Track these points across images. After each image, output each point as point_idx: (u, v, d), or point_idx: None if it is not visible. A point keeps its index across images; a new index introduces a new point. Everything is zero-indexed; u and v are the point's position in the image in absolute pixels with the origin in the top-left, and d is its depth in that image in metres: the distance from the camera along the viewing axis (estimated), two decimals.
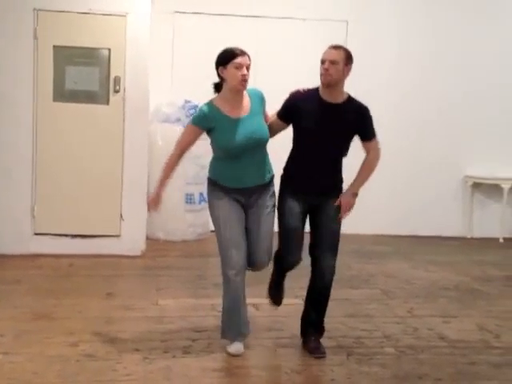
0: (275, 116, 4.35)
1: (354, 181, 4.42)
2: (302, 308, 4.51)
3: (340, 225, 4.41)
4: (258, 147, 4.16)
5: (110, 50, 6.78)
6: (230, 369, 4.03)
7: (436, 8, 8.74)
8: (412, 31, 8.72)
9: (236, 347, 4.25)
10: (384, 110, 8.68)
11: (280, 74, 8.25)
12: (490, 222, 8.99)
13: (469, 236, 8.97)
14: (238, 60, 4.03)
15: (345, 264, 6.94)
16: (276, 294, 4.62)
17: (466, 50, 8.80)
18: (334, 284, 6.02)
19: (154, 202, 4.30)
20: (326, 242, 4.30)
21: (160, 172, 4.29)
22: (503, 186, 8.75)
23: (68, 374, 3.82)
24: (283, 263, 4.39)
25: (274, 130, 4.33)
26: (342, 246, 7.69)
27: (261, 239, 4.25)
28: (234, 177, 4.18)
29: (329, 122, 4.18)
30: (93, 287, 5.69)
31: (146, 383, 3.76)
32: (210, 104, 4.15)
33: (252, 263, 4.30)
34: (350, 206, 4.38)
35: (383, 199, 8.72)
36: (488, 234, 8.92)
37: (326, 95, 4.22)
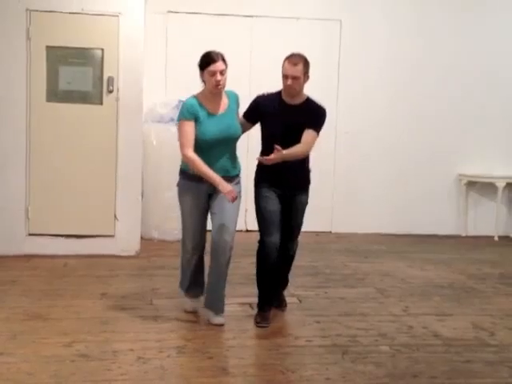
0: (242, 117, 4.83)
1: (288, 150, 4.57)
2: (298, 306, 4.53)
3: (302, 217, 4.91)
4: (230, 141, 4.62)
5: (103, 50, 6.76)
6: (225, 368, 4.02)
7: (429, 7, 8.76)
8: (405, 30, 8.73)
9: (192, 305, 4.98)
10: (377, 108, 8.73)
11: (274, 73, 8.20)
12: (484, 221, 9.00)
13: (464, 234, 8.98)
14: (211, 68, 4.44)
15: (340, 263, 6.97)
16: (263, 317, 4.82)
17: (459, 48, 8.82)
18: (329, 283, 6.10)
19: (233, 194, 4.48)
20: (292, 233, 4.89)
21: (204, 172, 4.49)
22: (498, 184, 8.76)
23: (63, 374, 3.81)
24: (264, 248, 4.71)
25: (242, 129, 4.81)
26: (338, 246, 7.82)
27: (224, 221, 4.57)
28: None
29: (288, 121, 4.63)
30: (87, 287, 5.68)
31: (140, 383, 3.75)
32: (193, 98, 4.59)
33: (215, 244, 4.60)
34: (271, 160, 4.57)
35: (378, 198, 8.74)
36: (483, 232, 8.94)
37: (287, 98, 4.73)
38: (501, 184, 8.75)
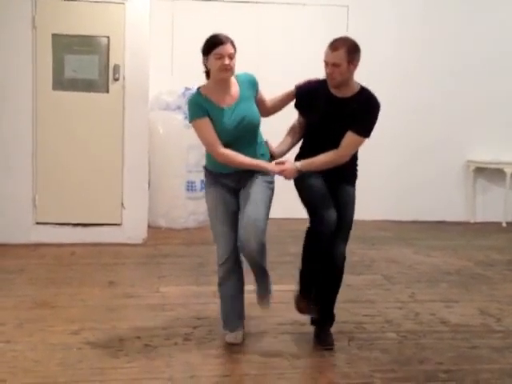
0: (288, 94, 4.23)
1: (308, 160, 4.05)
2: None
3: (353, 213, 4.23)
4: (248, 132, 4.01)
5: (108, 37, 6.76)
6: (231, 355, 4.02)
7: None
8: (413, 15, 8.69)
9: (232, 336, 4.20)
10: (384, 94, 8.59)
11: (281, 60, 8.23)
12: (492, 207, 8.99)
13: (471, 221, 8.96)
14: (218, 50, 3.87)
15: (347, 250, 6.93)
16: (304, 306, 4.26)
17: (466, 34, 8.78)
18: None
19: (283, 169, 3.99)
20: (339, 230, 4.13)
21: (243, 163, 3.95)
22: (506, 170, 8.73)
23: (70, 361, 3.82)
24: (321, 225, 4.00)
25: (277, 106, 4.26)
26: None
27: (249, 214, 3.92)
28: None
29: (335, 117, 4.02)
30: (94, 275, 5.70)
31: (147, 370, 3.76)
32: (196, 93, 4.03)
33: (240, 243, 3.98)
34: (285, 173, 4.01)
35: (385, 184, 8.72)
36: (491, 218, 8.93)
37: (334, 90, 4.06)
38: (509, 170, 8.72)
